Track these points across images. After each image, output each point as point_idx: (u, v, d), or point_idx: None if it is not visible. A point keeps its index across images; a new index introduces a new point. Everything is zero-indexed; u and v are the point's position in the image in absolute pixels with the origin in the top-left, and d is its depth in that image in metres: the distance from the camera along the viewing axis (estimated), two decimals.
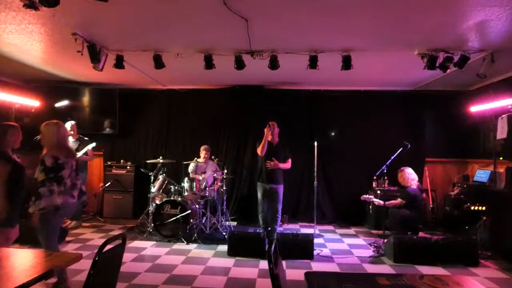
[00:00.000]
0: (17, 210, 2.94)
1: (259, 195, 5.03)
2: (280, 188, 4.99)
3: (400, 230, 5.08)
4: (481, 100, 5.87)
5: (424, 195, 5.58)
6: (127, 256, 4.38)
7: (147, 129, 7.14)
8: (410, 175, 5.25)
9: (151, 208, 5.62)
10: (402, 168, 5.33)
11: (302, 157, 6.39)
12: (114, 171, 6.73)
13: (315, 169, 5.78)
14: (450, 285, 1.85)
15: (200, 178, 5.59)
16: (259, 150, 4.95)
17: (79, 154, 5.71)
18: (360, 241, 5.48)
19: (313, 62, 4.50)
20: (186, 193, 5.47)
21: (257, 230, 5.29)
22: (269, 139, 4.96)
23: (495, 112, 5.37)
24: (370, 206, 6.19)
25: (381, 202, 5.19)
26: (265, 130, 4.95)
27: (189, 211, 5.16)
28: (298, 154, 5.96)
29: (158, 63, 4.60)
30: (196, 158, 5.99)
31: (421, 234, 5.35)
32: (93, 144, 5.81)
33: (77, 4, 3.30)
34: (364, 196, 5.42)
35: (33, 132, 5.40)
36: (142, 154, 7.02)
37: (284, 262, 4.23)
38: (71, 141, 5.93)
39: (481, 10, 3.27)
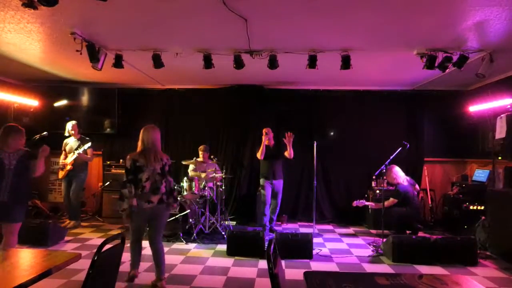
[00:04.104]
0: None
1: (267, 190, 5.58)
2: (281, 183, 5.71)
3: (398, 229, 5.09)
4: (480, 100, 5.87)
5: (417, 186, 5.55)
6: (126, 256, 4.36)
7: None
8: (397, 173, 5.25)
9: None
10: (389, 167, 5.25)
11: (302, 157, 6.39)
12: (113, 170, 6.71)
13: (315, 169, 5.79)
14: (449, 285, 1.85)
15: (202, 176, 5.62)
16: (258, 155, 5.61)
17: (76, 153, 5.72)
18: (359, 240, 5.48)
19: (312, 62, 4.50)
20: (185, 193, 5.46)
21: (257, 230, 5.30)
22: (266, 143, 5.57)
23: (494, 111, 5.38)
24: (369, 206, 6.20)
25: (372, 204, 5.31)
26: (263, 137, 5.58)
27: (188, 210, 5.16)
28: (298, 154, 5.96)
29: (157, 62, 4.59)
30: (195, 158, 5.99)
31: (420, 233, 5.35)
32: (89, 144, 5.81)
33: (76, 4, 3.30)
34: (355, 202, 5.32)
35: (32, 131, 5.42)
36: None
37: (283, 262, 4.23)
38: (73, 140, 5.94)
39: (480, 10, 3.28)
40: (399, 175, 5.26)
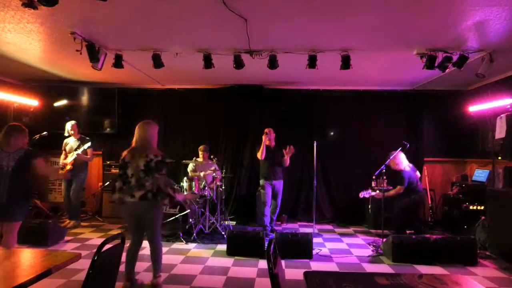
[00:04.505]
0: None
1: (267, 191, 5.54)
2: (281, 183, 5.71)
3: (402, 224, 5.02)
4: (480, 99, 5.88)
5: (417, 173, 5.44)
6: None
7: None
8: (400, 159, 5.15)
9: None
10: (392, 152, 5.16)
11: (302, 157, 6.38)
12: (113, 170, 6.71)
13: (314, 169, 5.79)
14: (449, 285, 1.85)
15: (201, 174, 5.62)
16: (259, 155, 5.55)
17: (75, 153, 5.72)
18: (359, 240, 5.48)
19: (312, 62, 4.50)
20: (185, 193, 5.47)
21: (257, 230, 5.30)
22: (267, 143, 5.53)
23: (494, 111, 5.38)
24: (369, 206, 6.19)
25: (381, 194, 5.09)
26: (263, 137, 5.51)
27: (188, 210, 5.16)
28: (297, 154, 5.96)
29: (157, 62, 4.59)
30: (195, 158, 5.99)
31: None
32: (88, 144, 5.81)
33: (76, 3, 3.30)
34: (362, 192, 5.27)
35: (32, 131, 5.42)
36: None
37: (283, 262, 4.23)
38: (73, 140, 5.94)
39: (480, 10, 3.28)
40: (402, 160, 5.15)
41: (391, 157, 5.00)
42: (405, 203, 5.06)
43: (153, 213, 3.40)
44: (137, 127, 3.52)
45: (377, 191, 5.25)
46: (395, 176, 5.24)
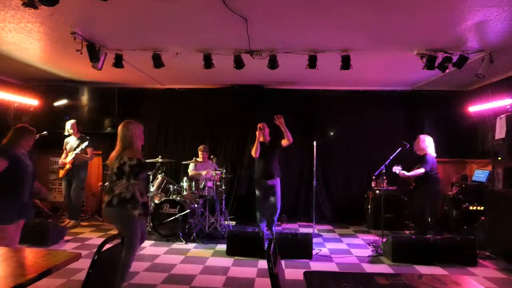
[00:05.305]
0: (13, 204, 3.06)
1: (258, 192, 5.36)
2: (277, 182, 5.32)
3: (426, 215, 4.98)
4: (480, 100, 5.87)
5: None
6: None
7: (146, 129, 7.04)
8: (429, 143, 5.03)
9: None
10: (420, 136, 5.08)
11: (301, 157, 6.39)
12: None
13: (314, 168, 5.79)
14: (449, 285, 1.85)
15: (203, 173, 5.61)
16: (253, 153, 5.33)
17: (74, 153, 5.72)
18: (359, 240, 5.48)
19: (312, 62, 4.50)
20: (185, 193, 5.47)
21: (256, 230, 5.30)
22: (261, 139, 5.32)
23: (494, 112, 5.37)
24: (369, 206, 6.19)
25: (406, 173, 4.93)
26: (257, 133, 5.30)
27: (188, 210, 5.16)
28: (297, 154, 5.97)
29: (157, 62, 4.59)
30: (195, 158, 6.00)
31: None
32: (86, 143, 5.81)
33: (77, 3, 3.30)
34: (394, 167, 4.95)
35: None
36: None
37: (283, 262, 4.23)
38: (73, 139, 5.94)
39: (480, 10, 3.28)
40: (429, 145, 5.00)
41: (392, 156, 4.97)
42: (425, 197, 4.98)
43: (120, 222, 3.07)
44: (119, 127, 3.32)
45: (403, 172, 4.96)
46: (419, 161, 5.05)
